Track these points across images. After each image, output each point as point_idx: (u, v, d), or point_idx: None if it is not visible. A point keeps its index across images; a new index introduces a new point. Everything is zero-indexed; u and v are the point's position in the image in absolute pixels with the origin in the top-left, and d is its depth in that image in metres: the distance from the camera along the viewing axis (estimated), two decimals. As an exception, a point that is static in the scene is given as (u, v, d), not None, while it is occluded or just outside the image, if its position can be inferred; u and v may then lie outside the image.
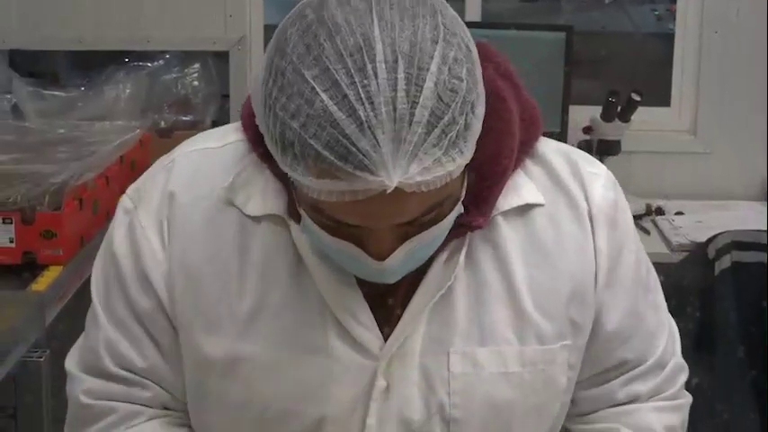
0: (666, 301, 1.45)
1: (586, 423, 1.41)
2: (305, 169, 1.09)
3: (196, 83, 3.35)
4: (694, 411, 1.48)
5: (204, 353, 1.28)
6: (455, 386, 1.27)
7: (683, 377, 1.44)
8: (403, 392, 1.27)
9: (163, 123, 3.23)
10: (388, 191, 1.06)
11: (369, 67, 1.06)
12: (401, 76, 1.06)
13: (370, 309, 1.26)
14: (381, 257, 1.16)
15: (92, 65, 3.35)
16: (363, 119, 1.05)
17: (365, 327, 1.26)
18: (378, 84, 1.06)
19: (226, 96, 3.39)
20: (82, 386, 1.35)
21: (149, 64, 3.33)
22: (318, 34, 1.09)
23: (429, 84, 1.07)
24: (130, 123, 2.97)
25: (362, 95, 1.06)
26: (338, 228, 1.15)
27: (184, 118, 3.28)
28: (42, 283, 2.33)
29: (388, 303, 1.27)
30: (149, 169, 1.37)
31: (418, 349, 1.27)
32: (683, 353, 1.46)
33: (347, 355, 1.26)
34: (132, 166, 2.82)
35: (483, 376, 1.28)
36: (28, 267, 2.40)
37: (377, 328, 1.26)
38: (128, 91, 3.20)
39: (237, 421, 1.31)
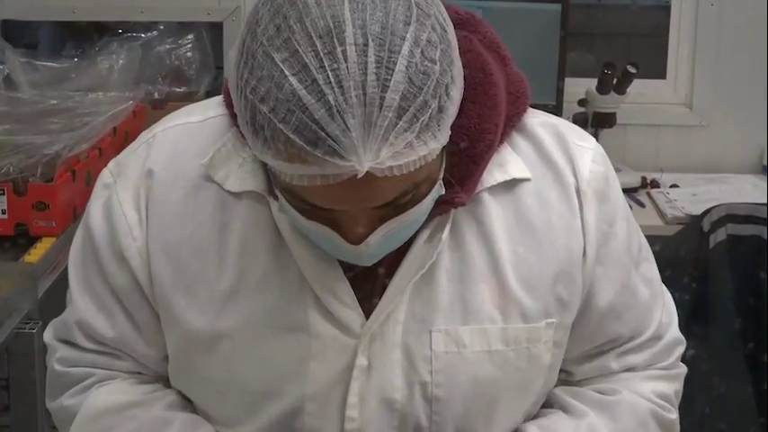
0: (661, 273, 1.44)
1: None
2: (275, 153, 1.07)
3: (190, 54, 3.33)
4: (689, 383, 1.48)
5: (185, 330, 1.28)
6: (437, 365, 1.26)
7: (680, 349, 1.44)
8: (384, 371, 1.26)
9: (156, 95, 3.21)
10: (359, 175, 1.05)
11: (338, 50, 1.04)
12: (371, 59, 1.04)
13: (352, 286, 1.26)
14: (357, 241, 1.15)
15: (85, 36, 3.33)
16: (333, 103, 1.03)
17: (345, 304, 1.25)
18: (347, 67, 1.04)
19: (220, 68, 3.38)
20: (56, 355, 1.37)
21: (143, 35, 3.31)
22: (289, 16, 1.07)
23: (400, 67, 1.05)
24: (124, 94, 2.95)
25: (332, 79, 1.04)
26: (313, 210, 1.14)
27: (178, 89, 3.26)
28: (35, 254, 2.32)
29: (369, 280, 1.26)
30: (132, 143, 1.37)
31: (400, 328, 1.26)
32: (677, 325, 1.45)
33: (327, 333, 1.25)
34: (125, 138, 2.80)
35: (466, 355, 1.27)
36: (20, 239, 2.39)
37: (358, 305, 1.26)
38: (121, 62, 3.17)
39: (220, 398, 1.31)
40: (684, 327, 1.47)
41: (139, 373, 1.37)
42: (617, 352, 1.38)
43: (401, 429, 1.28)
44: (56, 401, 1.38)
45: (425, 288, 1.26)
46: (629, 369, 1.40)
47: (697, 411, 2.86)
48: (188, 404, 1.35)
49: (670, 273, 2.96)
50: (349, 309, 1.25)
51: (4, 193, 2.37)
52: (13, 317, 2.17)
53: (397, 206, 1.14)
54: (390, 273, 1.26)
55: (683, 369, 1.46)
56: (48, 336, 1.40)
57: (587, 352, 1.38)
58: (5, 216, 2.38)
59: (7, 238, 2.39)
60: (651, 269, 1.41)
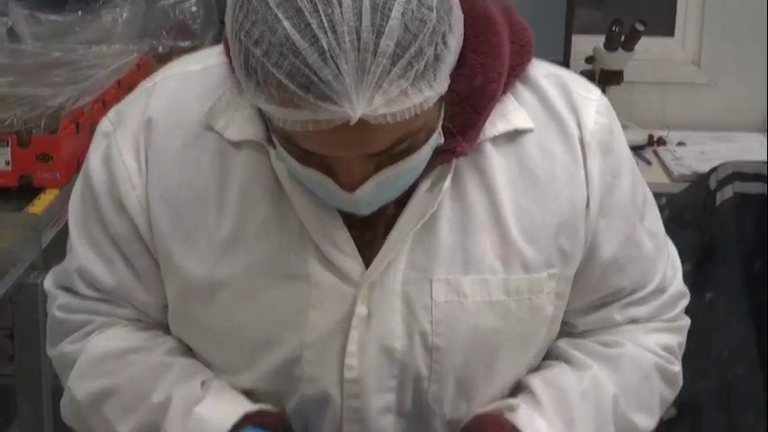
0: (667, 230, 1.44)
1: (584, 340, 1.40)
2: (268, 97, 1.07)
3: (194, 8, 3.30)
4: (693, 343, 1.48)
5: (184, 278, 1.28)
6: (438, 315, 1.26)
7: (684, 302, 1.44)
8: (384, 320, 1.25)
9: (161, 48, 3.19)
10: (352, 122, 1.04)
11: None
12: (366, 4, 1.03)
13: (353, 235, 1.25)
14: (351, 188, 1.14)
15: (89, -11, 3.31)
16: (326, 48, 1.02)
17: (345, 253, 1.24)
18: (342, 12, 1.03)
19: (224, 22, 3.35)
20: (57, 302, 1.37)
21: (147, -12, 3.29)
22: None
23: (396, 13, 1.04)
24: (128, 47, 2.93)
25: (325, 24, 1.02)
26: (308, 157, 1.14)
27: (182, 43, 3.24)
28: (39, 205, 2.32)
29: (370, 230, 1.25)
30: (132, 93, 1.37)
31: (400, 277, 1.25)
32: (681, 278, 1.45)
33: (327, 282, 1.24)
34: (129, 91, 2.76)
35: (466, 305, 1.26)
36: (24, 190, 2.39)
37: (357, 254, 1.25)
38: (125, 15, 3.15)
39: (219, 347, 1.31)
40: (691, 284, 1.46)
41: (139, 321, 1.36)
42: (620, 304, 1.38)
43: (401, 379, 1.28)
44: (56, 348, 1.39)
45: (426, 238, 1.25)
46: (633, 321, 1.39)
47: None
48: (188, 350, 1.35)
49: (676, 230, 2.96)
50: (348, 257, 1.24)
51: (7, 145, 2.36)
52: (17, 267, 2.18)
53: (392, 154, 1.13)
54: (391, 222, 1.25)
55: (687, 321, 1.45)
56: (48, 283, 1.40)
57: (590, 304, 1.37)
58: (9, 167, 2.37)
59: (11, 190, 2.39)
60: (656, 222, 1.40)
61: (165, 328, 1.36)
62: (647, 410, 1.38)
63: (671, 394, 1.43)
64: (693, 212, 2.97)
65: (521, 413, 1.29)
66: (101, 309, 1.35)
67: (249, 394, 1.31)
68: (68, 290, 1.37)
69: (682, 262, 1.47)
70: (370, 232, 1.25)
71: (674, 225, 2.83)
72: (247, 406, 1.28)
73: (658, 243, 1.40)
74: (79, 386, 1.34)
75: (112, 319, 1.36)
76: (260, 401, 1.30)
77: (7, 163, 2.37)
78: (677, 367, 1.42)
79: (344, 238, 1.24)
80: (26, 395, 2.27)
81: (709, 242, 2.95)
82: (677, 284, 1.43)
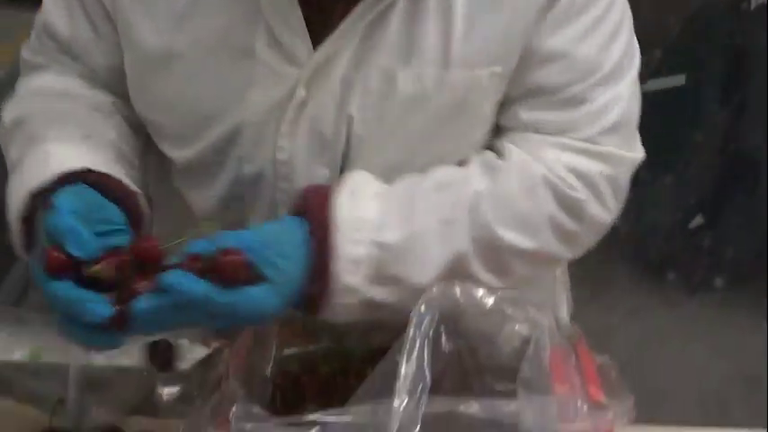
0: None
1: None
2: None
3: None
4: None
5: (142, 48, 1.30)
6: (369, 103, 1.25)
7: (605, 124, 1.29)
8: (319, 105, 1.26)
9: None
10: None
11: None
12: None
13: (307, 19, 1.24)
14: None
15: None
16: None
17: (294, 32, 1.24)
18: None
19: None
20: (27, 44, 1.42)
21: None
22: None
23: None
24: None
25: None
26: None
27: None
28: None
29: (326, 15, 1.24)
30: None
31: (345, 63, 1.25)
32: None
33: (272, 60, 1.25)
34: None
35: (399, 97, 1.25)
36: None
37: (307, 35, 1.24)
38: None
39: (169, 118, 1.33)
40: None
41: (90, 78, 1.39)
42: (530, 103, 1.29)
43: (330, 165, 1.29)
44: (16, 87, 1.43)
45: (377, 29, 1.24)
46: (537, 127, 1.29)
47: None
48: (124, 110, 1.38)
49: (708, 32, 2.90)
50: (297, 37, 1.24)
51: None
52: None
53: None
54: (347, 12, 1.23)
55: (620, 153, 1.29)
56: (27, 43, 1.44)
57: (503, 97, 1.30)
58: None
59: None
60: (617, 37, 1.28)
61: (113, 94, 1.39)
62: (520, 228, 1.26)
63: (572, 224, 1.28)
64: (724, 19, 2.91)
65: (345, 185, 1.24)
66: (59, 59, 1.39)
67: (190, 166, 1.34)
68: (37, 38, 1.41)
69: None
70: (326, 18, 1.25)
71: (706, 32, 2.78)
72: (96, 164, 1.23)
73: (609, 55, 1.28)
74: (8, 110, 1.37)
75: (67, 69, 1.39)
76: (200, 176, 1.34)
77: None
78: (581, 195, 1.27)
79: (296, 16, 1.24)
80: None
81: (740, 49, 2.89)
82: (616, 99, 1.28)
